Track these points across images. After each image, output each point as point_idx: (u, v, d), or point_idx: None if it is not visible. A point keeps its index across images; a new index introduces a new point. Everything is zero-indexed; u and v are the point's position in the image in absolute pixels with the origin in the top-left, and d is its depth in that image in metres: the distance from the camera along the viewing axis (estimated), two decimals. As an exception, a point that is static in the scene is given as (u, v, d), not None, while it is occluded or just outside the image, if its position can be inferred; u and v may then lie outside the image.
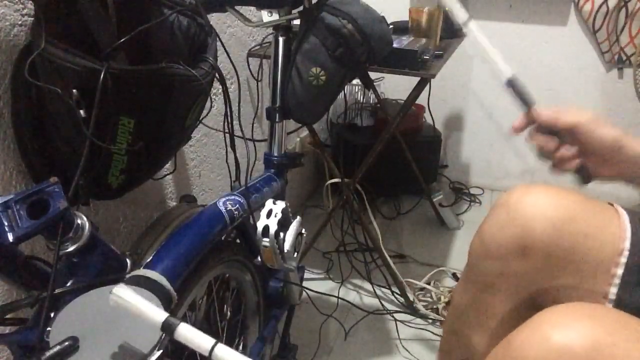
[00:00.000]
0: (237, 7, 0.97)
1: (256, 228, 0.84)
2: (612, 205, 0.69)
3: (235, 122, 0.93)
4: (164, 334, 0.49)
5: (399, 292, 1.55)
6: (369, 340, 1.42)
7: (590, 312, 0.55)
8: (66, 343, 0.47)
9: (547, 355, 0.53)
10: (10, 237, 0.51)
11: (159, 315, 0.48)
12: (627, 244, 0.63)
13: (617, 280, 0.63)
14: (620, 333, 0.52)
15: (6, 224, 0.51)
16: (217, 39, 0.83)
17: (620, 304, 0.63)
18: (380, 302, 1.54)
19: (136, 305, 0.48)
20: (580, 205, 0.66)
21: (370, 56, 0.97)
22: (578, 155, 0.69)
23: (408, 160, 1.91)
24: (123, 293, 0.48)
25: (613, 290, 0.63)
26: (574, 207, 0.66)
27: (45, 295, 0.55)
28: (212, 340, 0.46)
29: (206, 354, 0.46)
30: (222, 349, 0.46)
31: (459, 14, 0.72)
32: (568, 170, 0.69)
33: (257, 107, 1.56)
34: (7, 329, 0.61)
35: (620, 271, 0.63)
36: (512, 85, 0.71)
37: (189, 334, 0.47)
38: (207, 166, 1.36)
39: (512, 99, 0.72)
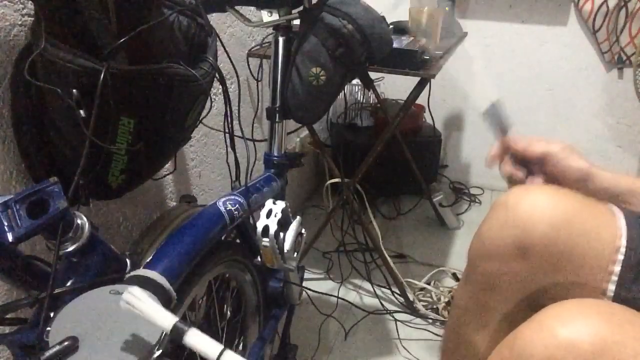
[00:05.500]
0: (237, 7, 0.97)
1: (256, 228, 0.84)
2: (606, 204, 0.69)
3: (235, 122, 0.93)
4: (163, 334, 0.49)
5: (399, 292, 1.55)
6: (369, 340, 1.42)
7: (598, 308, 0.55)
8: (66, 343, 0.47)
9: (553, 352, 0.52)
10: (10, 237, 0.50)
11: (169, 319, 0.48)
12: (623, 241, 0.64)
13: (614, 278, 0.63)
14: (628, 331, 0.52)
15: (6, 224, 0.51)
16: (217, 39, 0.83)
17: (618, 300, 0.63)
18: (380, 302, 1.54)
19: (146, 308, 0.48)
20: (578, 205, 0.66)
21: (370, 56, 0.97)
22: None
23: (408, 160, 1.91)
24: (133, 295, 0.48)
25: (611, 287, 0.64)
26: (572, 207, 0.66)
27: (45, 295, 0.55)
28: (219, 347, 0.47)
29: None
30: (230, 356, 0.47)
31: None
32: None
33: (257, 107, 1.56)
34: (7, 329, 0.61)
35: (617, 268, 0.63)
36: (495, 109, 0.75)
37: (198, 340, 0.47)
38: (207, 166, 1.36)
39: (491, 124, 0.75)
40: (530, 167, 0.75)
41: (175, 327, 0.48)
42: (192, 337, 0.48)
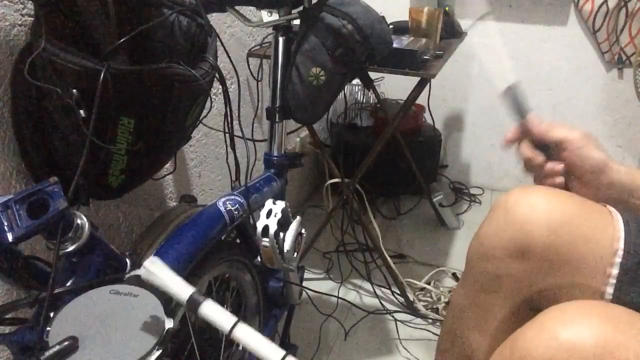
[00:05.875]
0: (237, 7, 0.97)
1: (256, 228, 0.84)
2: (605, 206, 0.69)
3: (235, 122, 0.93)
4: (164, 333, 0.49)
5: (399, 292, 1.55)
6: (369, 340, 1.42)
7: (599, 310, 0.55)
8: (66, 343, 0.47)
9: (555, 354, 0.52)
10: (10, 237, 0.51)
11: (186, 289, 0.49)
12: (621, 244, 0.64)
13: (612, 280, 0.64)
14: (629, 332, 0.52)
15: (6, 223, 0.51)
16: (217, 39, 0.83)
17: (616, 303, 0.63)
18: (380, 302, 1.54)
19: (164, 279, 0.51)
20: (577, 207, 0.66)
21: (370, 56, 0.97)
22: (562, 173, 0.71)
23: (408, 160, 1.91)
24: (154, 267, 0.51)
25: (609, 290, 0.64)
26: (570, 209, 0.66)
27: (45, 295, 0.55)
28: (233, 318, 0.49)
29: (227, 331, 0.49)
30: (243, 329, 0.49)
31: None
32: (550, 186, 0.70)
33: (257, 107, 1.56)
34: (7, 329, 0.61)
35: (615, 271, 0.63)
36: (513, 91, 0.73)
37: (213, 311, 0.49)
38: (207, 166, 1.36)
39: (509, 107, 0.74)
40: (550, 152, 0.73)
41: (191, 297, 0.50)
42: (207, 308, 0.50)
